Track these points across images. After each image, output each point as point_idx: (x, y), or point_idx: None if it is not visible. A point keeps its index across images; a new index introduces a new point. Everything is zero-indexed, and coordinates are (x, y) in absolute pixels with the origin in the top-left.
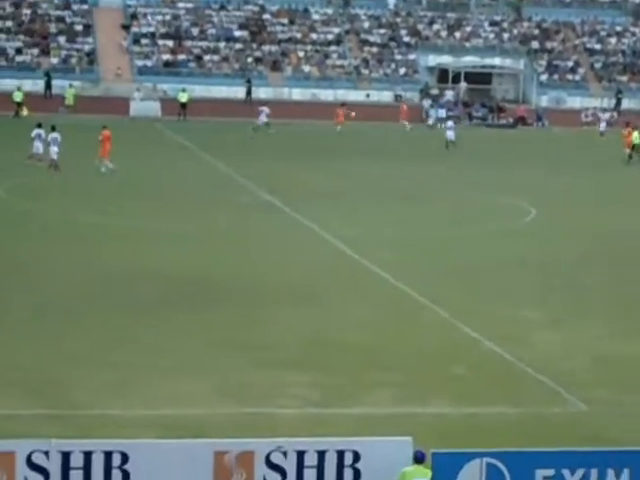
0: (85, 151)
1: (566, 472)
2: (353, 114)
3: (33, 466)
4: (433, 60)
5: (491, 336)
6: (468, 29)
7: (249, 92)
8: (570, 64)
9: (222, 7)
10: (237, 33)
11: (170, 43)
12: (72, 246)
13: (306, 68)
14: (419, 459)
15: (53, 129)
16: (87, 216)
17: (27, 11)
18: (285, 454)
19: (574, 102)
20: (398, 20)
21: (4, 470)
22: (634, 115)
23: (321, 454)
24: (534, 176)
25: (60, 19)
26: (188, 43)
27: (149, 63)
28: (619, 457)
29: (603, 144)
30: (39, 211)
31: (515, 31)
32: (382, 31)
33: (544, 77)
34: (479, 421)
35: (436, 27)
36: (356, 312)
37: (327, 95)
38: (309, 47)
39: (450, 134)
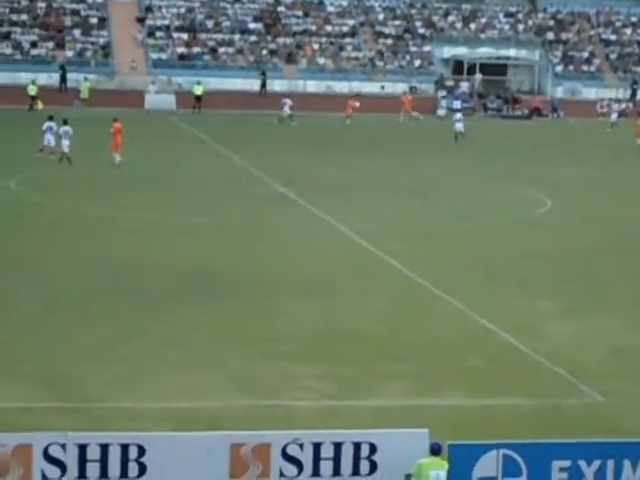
0: (99, 144)
1: (582, 463)
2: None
3: (50, 459)
4: (448, 52)
5: (506, 327)
6: (483, 20)
7: (264, 84)
8: (585, 55)
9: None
10: (252, 25)
11: (185, 36)
12: (83, 239)
13: (321, 60)
14: (436, 451)
15: (65, 122)
16: (99, 209)
17: (42, 4)
18: (301, 446)
19: (589, 93)
20: (413, 12)
21: (21, 463)
22: None
23: (337, 446)
24: (549, 167)
25: (75, 12)
26: (203, 36)
27: (164, 56)
28: (636, 448)
29: (614, 135)
30: (50, 204)
31: (530, 22)
32: (397, 23)
33: (559, 68)
34: (495, 413)
35: (451, 18)
36: (371, 303)
37: (342, 87)
38: (324, 39)
39: (459, 126)
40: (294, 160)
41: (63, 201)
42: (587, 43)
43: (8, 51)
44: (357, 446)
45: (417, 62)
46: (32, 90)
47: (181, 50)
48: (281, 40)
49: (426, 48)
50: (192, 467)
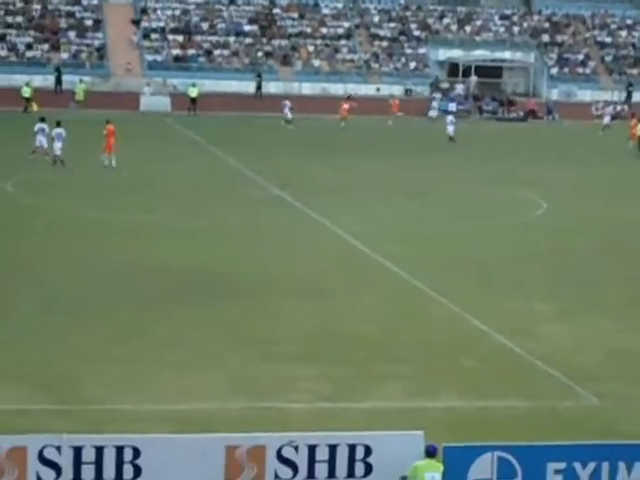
0: (94, 146)
1: (577, 465)
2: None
3: (45, 461)
4: (443, 54)
5: (501, 329)
6: (478, 23)
7: (259, 87)
8: (580, 57)
9: (232, 1)
10: (247, 27)
11: (180, 38)
12: (79, 241)
13: (316, 62)
14: (431, 453)
15: (58, 124)
16: (95, 211)
17: (37, 6)
18: (296, 448)
19: (584, 95)
20: (408, 14)
21: (16, 465)
22: None
23: (332, 448)
24: (545, 169)
25: (70, 14)
26: (198, 38)
27: (159, 58)
28: (631, 450)
29: (608, 138)
30: (46, 206)
31: (525, 24)
32: (392, 25)
33: (554, 70)
34: (490, 415)
35: (446, 21)
36: (367, 305)
37: (337, 89)
38: (319, 41)
39: (450, 129)
40: (290, 162)
41: (60, 203)
42: (582, 45)
43: (3, 53)
44: (352, 448)
45: (412, 64)
46: (26, 92)
47: (176, 52)
48: (276, 42)
49: (421, 50)
50: (187, 469)
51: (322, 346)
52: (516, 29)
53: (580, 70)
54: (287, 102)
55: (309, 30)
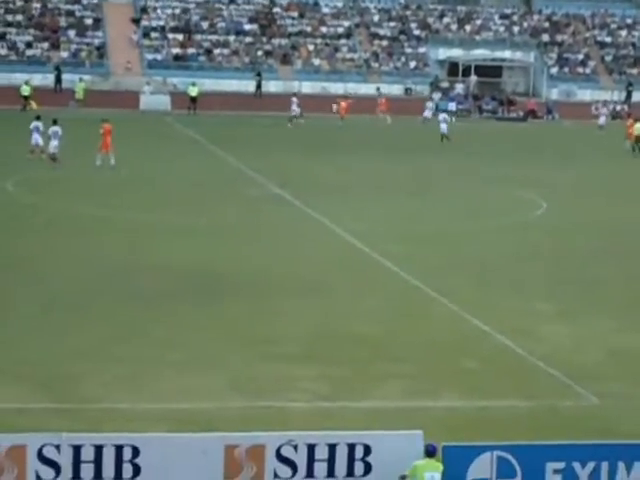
0: (93, 145)
1: (577, 465)
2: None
3: (44, 460)
4: (443, 53)
5: (502, 329)
6: (478, 22)
7: (259, 86)
8: (580, 57)
9: (232, 0)
10: (247, 26)
11: (180, 37)
12: (79, 239)
13: (316, 61)
14: (430, 452)
15: (54, 122)
16: (95, 209)
17: (37, 5)
18: (296, 448)
19: (584, 95)
20: (408, 13)
21: (15, 464)
22: None
23: (332, 447)
24: (545, 169)
25: (70, 13)
26: (198, 37)
27: (159, 57)
28: (630, 450)
29: (607, 137)
30: (46, 205)
31: (525, 24)
32: (392, 24)
33: (554, 70)
34: (490, 414)
35: (446, 20)
36: (366, 305)
37: (337, 88)
38: (319, 40)
39: (443, 127)
40: (289, 161)
41: (59, 202)
42: (582, 45)
43: (3, 52)
44: (351, 447)
45: (412, 64)
46: (25, 90)
47: (176, 51)
48: (276, 41)
49: (421, 50)
50: (186, 468)
51: (321, 346)
52: (516, 28)
53: (580, 70)
54: (294, 99)
55: (309, 29)
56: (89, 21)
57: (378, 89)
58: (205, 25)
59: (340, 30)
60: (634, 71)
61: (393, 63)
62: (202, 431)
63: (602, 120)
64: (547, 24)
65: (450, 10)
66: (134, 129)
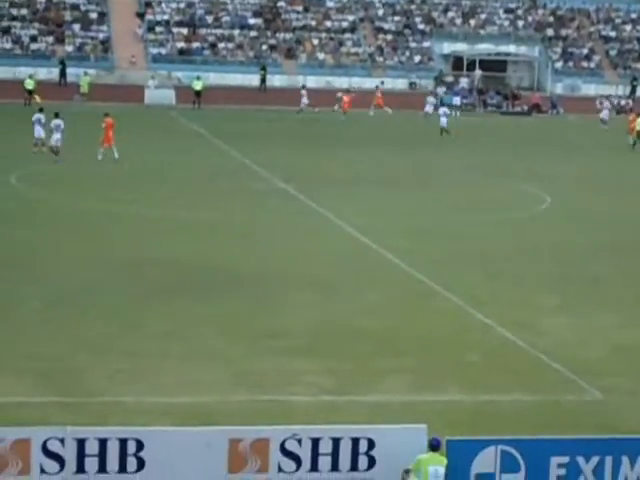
0: (98, 139)
1: (581, 460)
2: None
3: (48, 453)
4: (448, 47)
5: (505, 323)
6: (483, 16)
7: (264, 80)
8: (585, 51)
9: None
10: (251, 21)
11: (184, 31)
12: (82, 234)
13: (320, 56)
14: (434, 446)
15: (56, 116)
16: (98, 204)
17: None
18: (300, 441)
19: (589, 89)
20: (413, 7)
21: (19, 457)
22: None
23: (336, 441)
24: (549, 164)
25: (75, 7)
26: (203, 31)
27: (164, 51)
28: (634, 445)
29: (612, 132)
30: (51, 199)
31: (530, 18)
32: (397, 18)
33: (559, 64)
34: (493, 408)
35: (451, 14)
36: (369, 299)
37: (341, 83)
38: (323, 35)
39: (443, 121)
40: (293, 155)
41: (63, 196)
42: (587, 39)
43: (8, 46)
44: (355, 441)
45: (417, 58)
46: (29, 84)
47: (181, 45)
48: (281, 35)
49: (426, 44)
50: (190, 462)
51: (325, 339)
52: (521, 23)
53: (584, 64)
54: (304, 91)
55: (313, 23)
56: (94, 15)
57: (382, 83)
58: (210, 19)
59: (345, 24)
60: (639, 65)
61: (397, 57)
62: (206, 425)
63: (604, 114)
64: (552, 18)
65: (455, 4)
66: (139, 123)
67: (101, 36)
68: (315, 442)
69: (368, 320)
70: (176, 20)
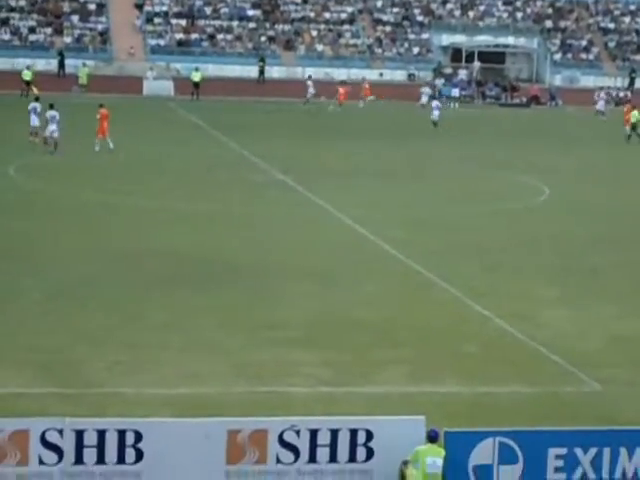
0: (95, 130)
1: (579, 451)
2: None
3: (47, 444)
4: (446, 39)
5: (503, 314)
6: (482, 8)
7: (262, 71)
8: (584, 43)
9: None
10: (250, 12)
11: (183, 22)
12: (80, 225)
13: (319, 47)
14: (433, 438)
15: (51, 107)
16: (98, 195)
17: None
18: (298, 433)
19: (588, 81)
20: None
21: (18, 448)
22: None
23: (334, 433)
24: (547, 155)
25: None
26: (201, 22)
27: (162, 42)
28: (632, 436)
29: (609, 124)
30: (49, 190)
31: (529, 10)
32: (395, 10)
33: (557, 56)
34: (492, 400)
35: (449, 6)
36: (367, 290)
37: (340, 74)
38: (322, 26)
39: (435, 114)
40: (292, 147)
41: (63, 187)
42: (585, 31)
43: (6, 37)
44: (354, 433)
45: (416, 49)
46: (27, 75)
47: (179, 36)
48: (279, 27)
49: (425, 36)
50: (189, 453)
51: (323, 331)
52: (519, 14)
53: (583, 56)
54: (310, 82)
55: (312, 15)
56: (92, 6)
57: (381, 74)
58: (208, 10)
59: (343, 16)
60: (637, 57)
61: (396, 49)
62: (204, 416)
63: (600, 105)
64: (550, 10)
65: None
66: (137, 114)
67: (100, 27)
68: (313, 433)
69: (366, 311)
70: (175, 11)
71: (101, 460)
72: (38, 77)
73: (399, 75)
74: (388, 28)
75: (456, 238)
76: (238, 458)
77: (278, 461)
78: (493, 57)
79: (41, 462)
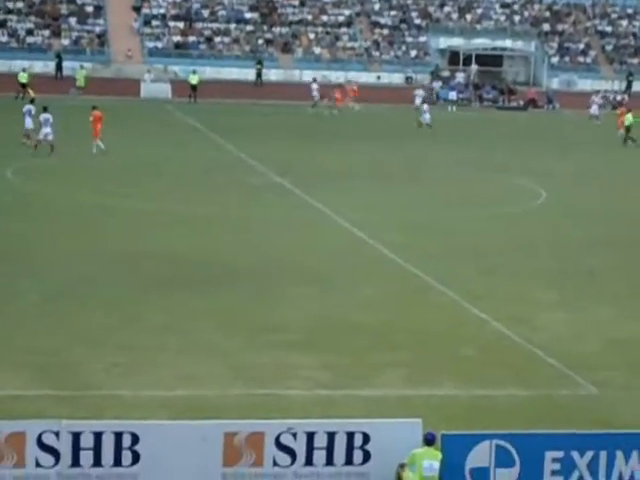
0: (92, 133)
1: (575, 454)
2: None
3: (43, 446)
4: (444, 42)
5: (500, 317)
6: (479, 11)
7: (260, 74)
8: (581, 46)
9: None
10: (248, 15)
11: (181, 25)
12: (79, 227)
13: (317, 50)
14: (429, 441)
15: (45, 109)
16: (95, 197)
17: None
18: (295, 435)
19: (585, 85)
20: (409, 2)
21: (14, 450)
22: None
23: (331, 436)
24: (544, 158)
25: (71, 0)
26: (199, 25)
27: (160, 45)
28: (628, 440)
29: (605, 127)
30: (46, 192)
31: (526, 13)
32: (393, 13)
33: (555, 59)
34: (489, 403)
35: (447, 9)
36: (365, 293)
37: (338, 77)
38: (320, 29)
39: (426, 117)
40: (289, 149)
41: (60, 189)
42: (583, 35)
43: (4, 39)
44: (350, 436)
45: (413, 52)
46: (23, 77)
47: (177, 39)
48: (277, 30)
49: (422, 39)
50: (185, 455)
51: (321, 334)
52: (517, 18)
53: (581, 59)
54: (315, 85)
55: (310, 17)
56: (90, 9)
57: (378, 77)
58: (206, 13)
59: (341, 19)
60: (634, 61)
61: (394, 52)
62: (202, 418)
63: (594, 109)
64: (548, 13)
65: None
66: (134, 117)
67: (97, 30)
68: (310, 436)
69: (364, 314)
70: (172, 14)
71: (98, 462)
72: (36, 79)
73: (397, 78)
74: (386, 31)
75: (453, 241)
76: (235, 461)
77: (275, 464)
78: (490, 60)
79: (38, 464)
